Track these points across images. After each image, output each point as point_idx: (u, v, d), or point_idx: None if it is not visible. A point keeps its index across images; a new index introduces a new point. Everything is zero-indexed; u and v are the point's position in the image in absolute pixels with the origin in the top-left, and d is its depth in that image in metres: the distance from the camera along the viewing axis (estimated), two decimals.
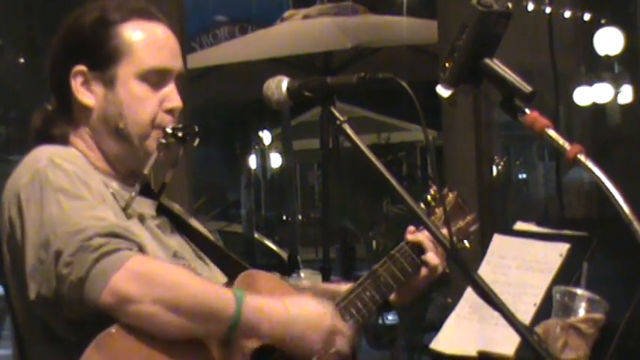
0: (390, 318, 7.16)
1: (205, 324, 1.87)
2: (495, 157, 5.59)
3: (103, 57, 2.06)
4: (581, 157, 1.73)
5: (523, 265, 2.48)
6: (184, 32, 4.58)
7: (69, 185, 1.93)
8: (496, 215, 5.05)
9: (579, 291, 2.31)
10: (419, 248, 2.35)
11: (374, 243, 8.03)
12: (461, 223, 2.49)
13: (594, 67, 6.57)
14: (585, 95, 6.45)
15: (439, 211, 2.41)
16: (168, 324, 1.84)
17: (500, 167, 6.08)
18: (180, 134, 2.08)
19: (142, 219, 2.07)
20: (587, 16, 6.10)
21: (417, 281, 2.36)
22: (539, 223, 2.62)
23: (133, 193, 2.05)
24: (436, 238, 1.95)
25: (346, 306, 2.19)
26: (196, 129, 2.12)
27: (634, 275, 2.31)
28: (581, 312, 2.28)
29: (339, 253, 11.40)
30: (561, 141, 1.76)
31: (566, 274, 2.41)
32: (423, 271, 2.35)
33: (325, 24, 7.81)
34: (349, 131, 1.96)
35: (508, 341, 2.31)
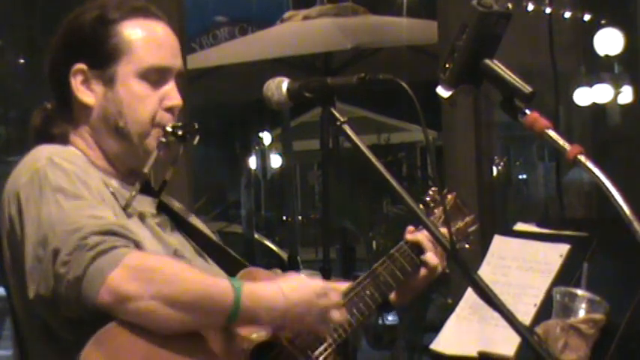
0: (390, 318, 7.16)
1: (205, 316, 1.88)
2: (495, 157, 5.59)
3: (102, 55, 2.07)
4: (582, 158, 1.73)
5: (523, 266, 2.48)
6: (184, 32, 4.58)
7: (68, 185, 1.93)
8: (496, 215, 5.05)
9: (579, 291, 2.31)
10: (418, 248, 2.35)
11: (374, 243, 8.03)
12: (460, 224, 2.49)
13: (594, 68, 6.56)
14: (585, 95, 6.45)
15: (438, 211, 2.41)
16: (167, 319, 1.83)
17: (500, 167, 6.08)
18: (180, 132, 2.08)
19: (142, 217, 2.07)
20: (587, 17, 6.10)
21: (416, 281, 2.36)
22: (539, 224, 2.62)
23: (134, 192, 2.05)
24: (436, 238, 1.95)
25: (346, 304, 2.19)
26: (196, 126, 2.12)
27: (634, 275, 2.31)
28: (582, 312, 2.28)
29: (339, 254, 11.39)
30: (561, 141, 1.76)
31: (566, 275, 2.41)
32: (422, 271, 2.35)
33: (325, 25, 7.81)
34: (349, 132, 1.96)
35: (508, 342, 2.31)
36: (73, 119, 2.11)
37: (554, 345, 2.22)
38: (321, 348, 2.11)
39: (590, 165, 1.72)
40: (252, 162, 19.51)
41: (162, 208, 2.17)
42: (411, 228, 2.38)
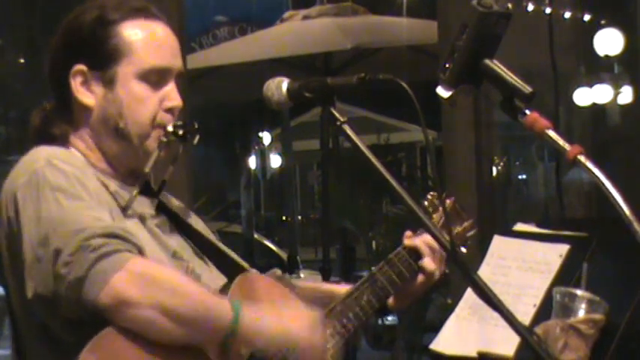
0: (390, 319, 7.15)
1: (200, 333, 1.86)
2: (495, 157, 5.59)
3: (102, 57, 2.06)
4: (582, 158, 1.73)
5: (523, 266, 2.48)
6: (184, 32, 4.58)
7: (67, 185, 1.92)
8: (496, 215, 5.05)
9: (579, 292, 2.31)
10: (416, 253, 2.34)
11: (374, 243, 8.04)
12: (458, 229, 2.48)
13: (594, 68, 6.57)
14: (585, 96, 6.45)
15: (436, 216, 2.40)
16: (163, 329, 1.82)
17: (500, 167, 6.08)
18: (181, 132, 2.08)
19: (142, 219, 2.07)
20: (587, 17, 6.11)
21: (414, 287, 2.36)
22: (539, 224, 2.62)
23: (134, 193, 2.05)
24: (435, 239, 1.94)
25: (343, 310, 2.20)
26: (196, 126, 2.11)
27: (634, 275, 2.31)
28: (581, 313, 2.28)
29: (339, 254, 11.40)
30: (561, 142, 1.76)
31: (566, 275, 2.41)
32: (420, 277, 2.35)
33: (325, 24, 7.81)
34: (349, 132, 1.95)
35: (508, 342, 2.31)
36: (72, 120, 2.10)
37: (554, 345, 2.22)
38: None
39: (590, 165, 1.72)
40: (252, 162, 19.51)
41: (162, 209, 2.17)
42: (409, 233, 2.37)
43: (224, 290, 2.04)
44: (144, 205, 2.11)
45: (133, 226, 2.00)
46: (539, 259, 2.47)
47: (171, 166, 2.15)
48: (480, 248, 2.60)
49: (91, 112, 2.08)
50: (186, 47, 5.63)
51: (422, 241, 2.33)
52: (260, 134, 18.93)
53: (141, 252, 1.89)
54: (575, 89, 6.33)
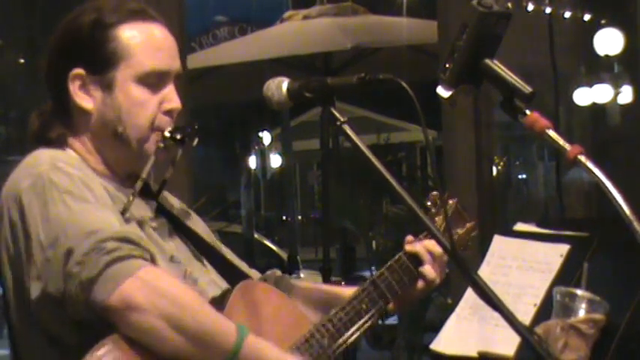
0: (390, 318, 7.16)
1: (202, 350, 1.85)
2: (495, 157, 5.60)
3: (100, 61, 2.04)
4: (582, 158, 1.73)
5: (523, 266, 2.48)
6: (184, 32, 4.57)
7: (74, 188, 1.92)
8: (496, 215, 5.05)
9: (579, 291, 2.30)
10: (417, 259, 2.33)
11: (374, 243, 8.03)
12: (460, 232, 2.47)
13: (594, 68, 6.58)
14: (585, 96, 6.46)
15: (439, 219, 2.38)
16: (167, 340, 1.82)
17: (500, 167, 6.09)
18: (178, 136, 2.07)
19: (140, 224, 2.05)
20: (587, 17, 6.11)
21: (413, 292, 2.34)
22: (539, 224, 2.62)
23: (131, 198, 2.03)
24: (436, 239, 1.94)
25: (344, 318, 2.18)
26: (196, 127, 2.10)
27: (634, 275, 2.31)
28: (582, 312, 2.27)
29: (339, 253, 11.41)
30: (561, 141, 1.76)
31: (566, 275, 2.41)
32: (420, 283, 2.33)
33: (325, 24, 7.80)
34: (349, 132, 1.95)
35: (508, 342, 2.31)
36: (71, 123, 2.09)
37: (554, 345, 2.22)
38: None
39: (590, 165, 1.72)
40: (252, 162, 19.53)
41: (161, 211, 2.16)
42: (409, 238, 2.35)
43: (223, 297, 2.04)
44: (142, 209, 2.10)
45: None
46: (540, 258, 2.47)
47: (170, 167, 2.14)
48: (480, 248, 2.59)
49: (89, 115, 2.06)
50: (186, 47, 5.63)
51: (423, 247, 2.31)
52: (260, 134, 18.95)
53: (152, 258, 1.89)
54: (575, 89, 6.35)
